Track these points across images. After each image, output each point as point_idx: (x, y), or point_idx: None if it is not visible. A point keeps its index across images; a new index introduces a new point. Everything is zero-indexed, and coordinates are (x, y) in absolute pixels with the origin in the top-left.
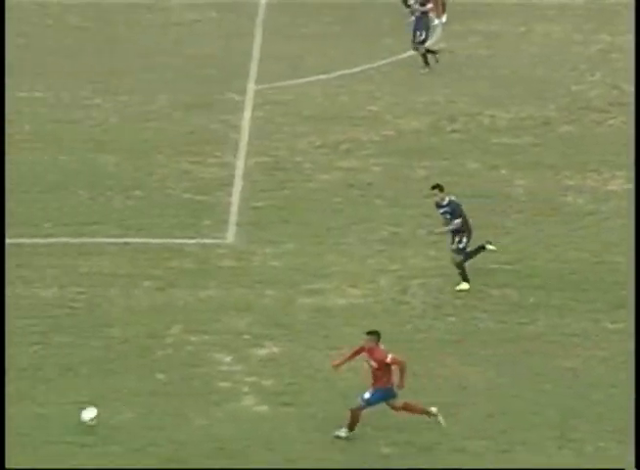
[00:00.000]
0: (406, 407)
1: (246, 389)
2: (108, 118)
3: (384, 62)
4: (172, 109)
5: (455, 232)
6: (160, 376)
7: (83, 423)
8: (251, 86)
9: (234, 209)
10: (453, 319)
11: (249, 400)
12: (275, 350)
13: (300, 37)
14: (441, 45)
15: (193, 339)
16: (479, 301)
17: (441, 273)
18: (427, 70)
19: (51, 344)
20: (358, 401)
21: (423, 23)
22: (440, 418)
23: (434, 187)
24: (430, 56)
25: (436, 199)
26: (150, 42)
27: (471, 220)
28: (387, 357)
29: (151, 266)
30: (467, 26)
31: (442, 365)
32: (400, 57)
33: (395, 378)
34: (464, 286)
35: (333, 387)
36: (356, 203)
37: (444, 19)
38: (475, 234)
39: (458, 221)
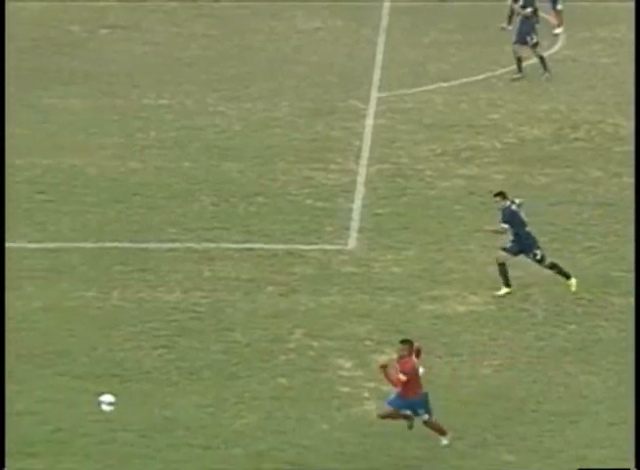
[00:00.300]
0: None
1: (366, 394)
2: (232, 126)
3: (506, 69)
4: (295, 116)
5: (517, 238)
6: (283, 380)
7: (110, 404)
8: (374, 94)
9: (355, 215)
10: (574, 327)
11: (369, 405)
12: (396, 356)
13: (423, 45)
14: (565, 52)
15: (314, 344)
16: (600, 309)
17: (563, 281)
18: (547, 74)
19: (175, 347)
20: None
21: (529, 27)
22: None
23: (496, 194)
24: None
25: (497, 205)
26: (273, 50)
27: (530, 229)
28: (401, 376)
29: (273, 272)
30: (591, 33)
31: (563, 373)
32: (522, 65)
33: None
34: (504, 290)
35: (453, 394)
36: (477, 210)
37: (559, 29)
38: (596, 242)
39: (505, 226)
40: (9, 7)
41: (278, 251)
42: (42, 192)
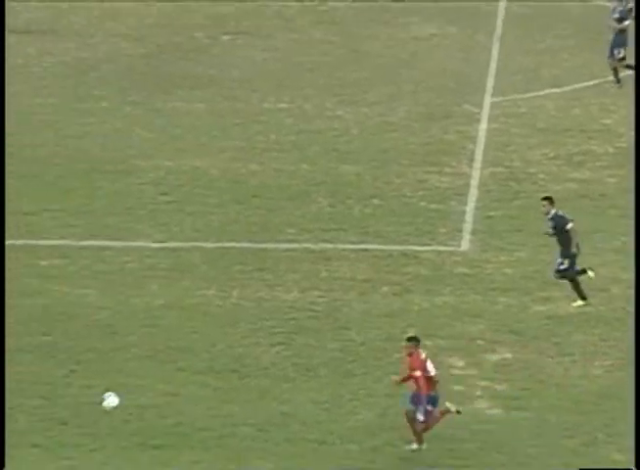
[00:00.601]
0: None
1: (479, 392)
2: (349, 129)
3: (620, 75)
4: (411, 120)
5: (562, 247)
6: (396, 378)
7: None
8: (488, 99)
9: (468, 217)
10: None
11: (481, 404)
12: (508, 355)
13: (536, 51)
14: None
15: (428, 343)
16: None
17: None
18: (619, 85)
19: (292, 345)
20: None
21: (621, 40)
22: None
23: (544, 198)
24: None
25: (544, 210)
26: (390, 56)
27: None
28: (415, 372)
29: (388, 272)
30: None
31: None
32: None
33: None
34: (579, 303)
35: (564, 393)
36: (589, 213)
37: None
38: None
39: (570, 226)
40: (137, 12)
41: (393, 251)
42: (165, 193)
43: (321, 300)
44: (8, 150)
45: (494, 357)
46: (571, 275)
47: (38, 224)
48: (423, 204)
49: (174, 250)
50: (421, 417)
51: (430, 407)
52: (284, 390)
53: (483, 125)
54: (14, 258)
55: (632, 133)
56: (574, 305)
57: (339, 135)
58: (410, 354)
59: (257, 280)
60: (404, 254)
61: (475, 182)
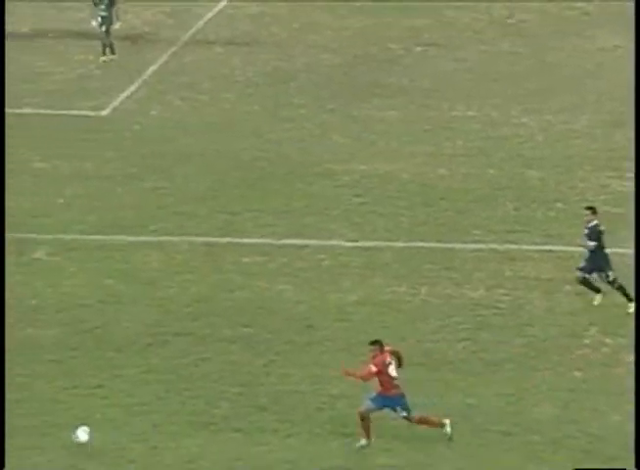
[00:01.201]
0: (421, 421)
1: None
2: (534, 136)
3: None
4: (594, 127)
5: (593, 255)
6: (578, 374)
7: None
8: None
9: None
10: None
11: None
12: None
13: None
14: None
15: (608, 341)
16: None
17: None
18: None
19: (478, 340)
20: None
21: None
22: (448, 429)
23: (587, 208)
24: None
25: (585, 218)
26: (575, 66)
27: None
28: (371, 367)
29: (571, 272)
30: None
31: None
32: None
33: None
34: (631, 306)
35: None
36: None
37: None
38: None
39: (592, 244)
40: (334, 25)
41: (574, 253)
42: (359, 195)
43: (506, 298)
44: (214, 153)
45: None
46: (619, 284)
47: (241, 224)
48: (605, 208)
49: (367, 249)
50: (404, 413)
51: (384, 407)
52: (470, 383)
53: None
54: (219, 255)
55: None
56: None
57: (524, 142)
58: (374, 357)
59: (445, 278)
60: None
61: None
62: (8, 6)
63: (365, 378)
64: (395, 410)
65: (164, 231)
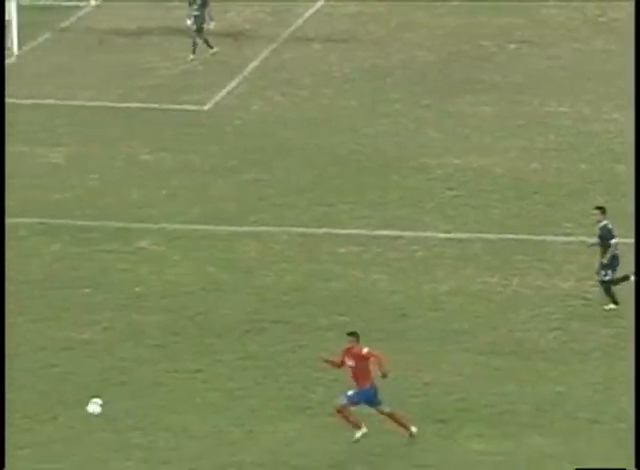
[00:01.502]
0: (391, 417)
1: None
2: (623, 132)
3: None
4: None
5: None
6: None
7: None
8: None
9: None
10: None
11: None
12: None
13: None
14: None
15: None
16: None
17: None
18: None
19: (568, 330)
20: (341, 399)
21: None
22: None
23: (597, 208)
24: None
25: (596, 218)
26: None
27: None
28: (362, 350)
29: None
30: None
31: None
32: None
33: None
34: (611, 306)
35: None
36: None
37: None
38: None
39: (614, 241)
40: (430, 23)
41: None
42: (452, 188)
43: (594, 288)
44: (313, 147)
45: None
46: (615, 283)
47: (337, 215)
48: None
49: (459, 240)
50: (344, 400)
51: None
52: (560, 372)
53: None
54: (316, 245)
55: None
56: (607, 308)
57: (614, 137)
58: (350, 347)
59: (537, 269)
60: None
61: None
62: (115, 6)
63: (339, 365)
64: (374, 404)
65: (264, 222)
